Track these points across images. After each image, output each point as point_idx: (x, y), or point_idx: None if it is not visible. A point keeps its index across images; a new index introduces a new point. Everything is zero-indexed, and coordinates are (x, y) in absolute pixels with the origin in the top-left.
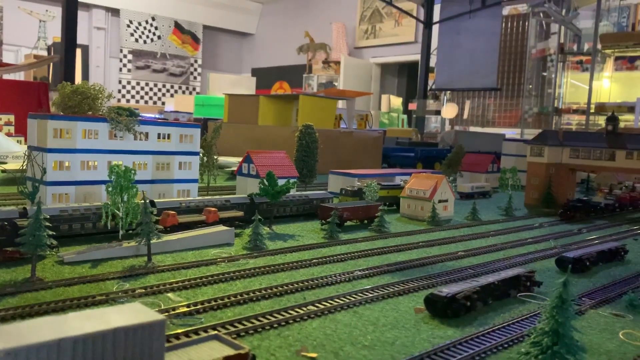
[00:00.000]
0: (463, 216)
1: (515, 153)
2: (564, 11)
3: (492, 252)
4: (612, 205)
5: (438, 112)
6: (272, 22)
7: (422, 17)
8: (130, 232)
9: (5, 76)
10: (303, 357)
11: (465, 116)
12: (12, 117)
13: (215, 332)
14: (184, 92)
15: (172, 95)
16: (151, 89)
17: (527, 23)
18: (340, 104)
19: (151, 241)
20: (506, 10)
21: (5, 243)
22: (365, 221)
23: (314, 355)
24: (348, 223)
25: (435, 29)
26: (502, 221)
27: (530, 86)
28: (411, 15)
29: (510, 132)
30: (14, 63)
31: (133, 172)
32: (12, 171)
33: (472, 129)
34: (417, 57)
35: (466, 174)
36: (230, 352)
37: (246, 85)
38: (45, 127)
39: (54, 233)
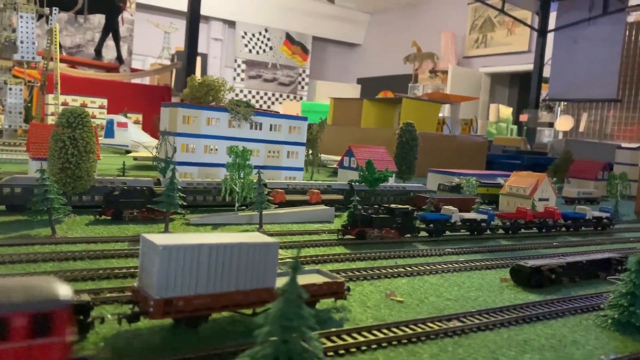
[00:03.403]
0: None
1: (629, 162)
2: None
3: (589, 246)
4: (483, 222)
5: (551, 125)
6: (379, 33)
7: (536, 26)
8: (244, 207)
9: (133, 81)
10: (391, 300)
11: (581, 129)
12: (140, 117)
13: (317, 267)
14: (291, 101)
15: (280, 103)
16: (261, 97)
17: None
18: (446, 111)
19: (262, 211)
20: (631, 17)
21: (144, 204)
22: None
23: (400, 299)
24: None
25: (550, 37)
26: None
27: None
28: (525, 24)
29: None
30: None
31: (249, 152)
32: (144, 158)
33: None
34: (529, 66)
35: (574, 181)
36: (329, 280)
37: (351, 93)
38: (175, 114)
39: (184, 195)
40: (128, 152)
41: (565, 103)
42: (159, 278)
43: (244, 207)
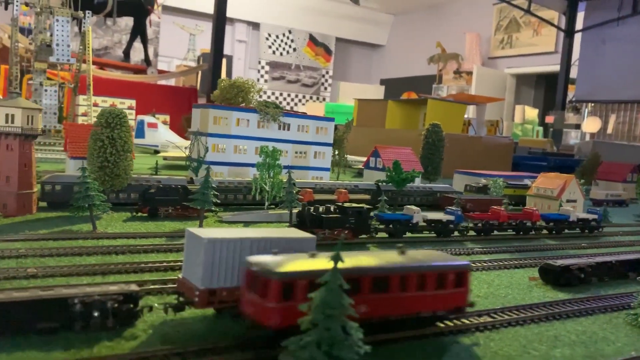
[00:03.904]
0: None
1: None
2: None
3: (618, 247)
4: (450, 223)
5: (578, 126)
6: (403, 33)
7: (563, 26)
8: (273, 206)
9: (160, 83)
10: None
11: (609, 130)
12: (167, 118)
13: None
14: (314, 102)
15: (303, 105)
16: (285, 99)
17: None
18: (471, 113)
19: (293, 209)
20: None
21: (179, 202)
22: None
23: None
24: None
25: (578, 38)
26: (635, 225)
27: None
28: (552, 24)
29: None
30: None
31: (279, 152)
32: (173, 157)
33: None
34: (556, 67)
35: (602, 183)
36: None
37: (375, 94)
38: (207, 115)
39: (218, 194)
40: (157, 152)
41: (593, 104)
42: (203, 269)
43: (274, 206)
